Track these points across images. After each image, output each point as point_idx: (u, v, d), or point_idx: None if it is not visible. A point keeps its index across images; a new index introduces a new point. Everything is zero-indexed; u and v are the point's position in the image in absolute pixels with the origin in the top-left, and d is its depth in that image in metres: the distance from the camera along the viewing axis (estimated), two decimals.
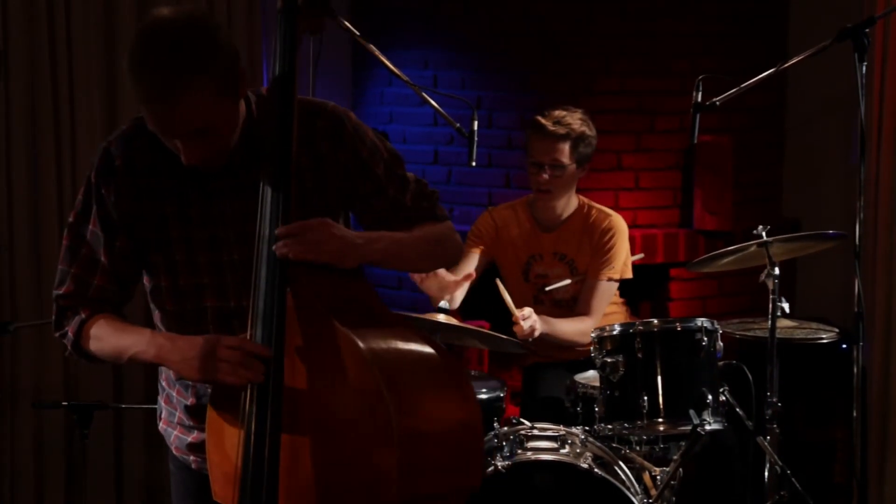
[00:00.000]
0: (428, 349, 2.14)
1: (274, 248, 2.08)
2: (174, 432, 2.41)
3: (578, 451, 3.31)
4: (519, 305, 3.83)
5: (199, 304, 2.27)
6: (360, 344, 2.02)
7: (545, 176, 3.94)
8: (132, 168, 2.23)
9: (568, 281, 4.00)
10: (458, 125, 3.42)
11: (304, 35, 2.18)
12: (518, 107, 4.76)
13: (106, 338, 2.26)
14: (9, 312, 4.02)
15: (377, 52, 3.34)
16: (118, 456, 4.28)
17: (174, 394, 2.38)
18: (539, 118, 3.97)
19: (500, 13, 4.81)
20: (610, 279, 4.00)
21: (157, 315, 2.35)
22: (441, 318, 3.55)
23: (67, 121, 4.11)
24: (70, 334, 2.29)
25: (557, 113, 3.96)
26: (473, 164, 3.41)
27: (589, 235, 4.03)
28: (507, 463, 3.21)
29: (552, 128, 3.92)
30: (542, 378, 4.05)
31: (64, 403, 3.65)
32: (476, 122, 3.39)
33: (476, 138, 3.39)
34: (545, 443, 3.33)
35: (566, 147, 3.93)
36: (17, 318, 3.95)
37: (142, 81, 2.06)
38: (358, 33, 3.34)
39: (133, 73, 2.07)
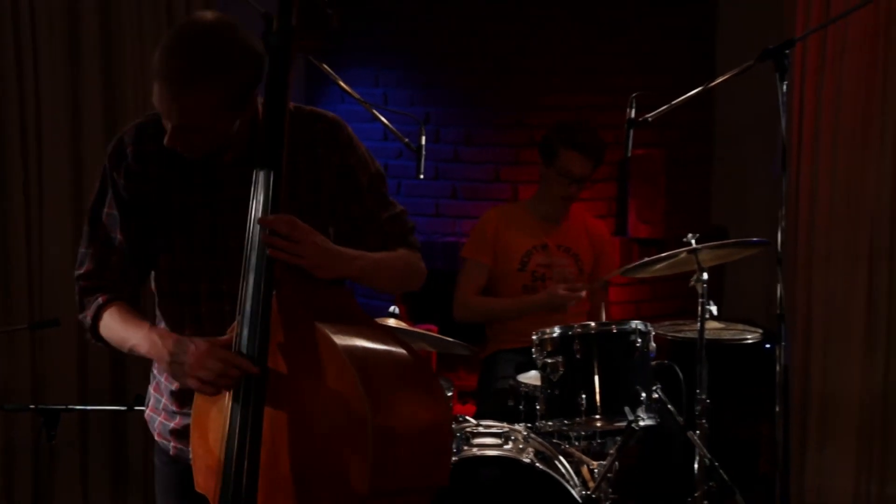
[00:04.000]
0: (402, 352, 2.18)
1: (261, 234, 2.10)
2: (158, 419, 2.44)
3: (521, 446, 3.35)
4: (508, 294, 4.03)
5: (194, 286, 2.32)
6: (339, 345, 2.06)
7: (574, 188, 4.13)
8: (142, 155, 2.31)
9: (582, 294, 4.10)
10: (406, 140, 3.40)
11: (298, 55, 2.17)
12: (464, 122, 4.86)
13: (114, 327, 2.31)
14: None
15: (329, 71, 3.33)
16: (84, 457, 4.25)
17: (162, 379, 2.42)
18: (579, 136, 4.09)
19: (447, 34, 4.88)
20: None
21: (157, 301, 2.40)
22: (391, 322, 3.56)
23: (34, 132, 4.11)
24: (88, 319, 2.34)
25: (590, 132, 4.13)
26: (421, 176, 3.41)
27: (589, 235, 4.24)
28: (454, 458, 3.22)
29: (593, 148, 4.09)
30: (497, 371, 4.12)
31: (31, 406, 3.62)
32: (424, 137, 3.36)
33: (424, 152, 3.37)
34: (490, 439, 3.37)
35: (596, 164, 4.15)
36: None
37: (163, 63, 2.15)
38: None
39: (161, 51, 2.16)
